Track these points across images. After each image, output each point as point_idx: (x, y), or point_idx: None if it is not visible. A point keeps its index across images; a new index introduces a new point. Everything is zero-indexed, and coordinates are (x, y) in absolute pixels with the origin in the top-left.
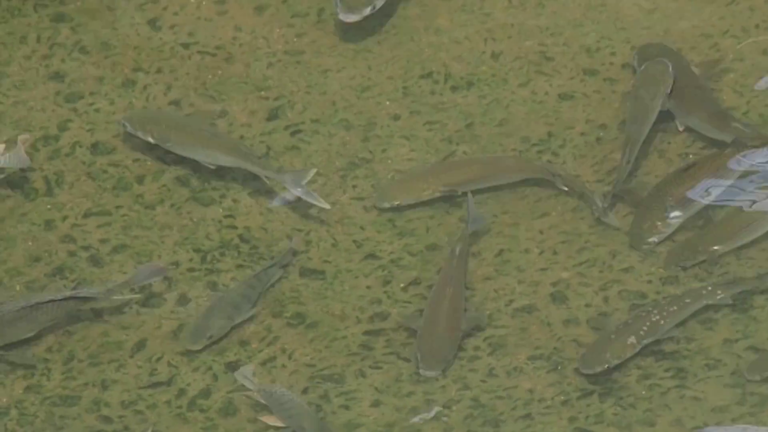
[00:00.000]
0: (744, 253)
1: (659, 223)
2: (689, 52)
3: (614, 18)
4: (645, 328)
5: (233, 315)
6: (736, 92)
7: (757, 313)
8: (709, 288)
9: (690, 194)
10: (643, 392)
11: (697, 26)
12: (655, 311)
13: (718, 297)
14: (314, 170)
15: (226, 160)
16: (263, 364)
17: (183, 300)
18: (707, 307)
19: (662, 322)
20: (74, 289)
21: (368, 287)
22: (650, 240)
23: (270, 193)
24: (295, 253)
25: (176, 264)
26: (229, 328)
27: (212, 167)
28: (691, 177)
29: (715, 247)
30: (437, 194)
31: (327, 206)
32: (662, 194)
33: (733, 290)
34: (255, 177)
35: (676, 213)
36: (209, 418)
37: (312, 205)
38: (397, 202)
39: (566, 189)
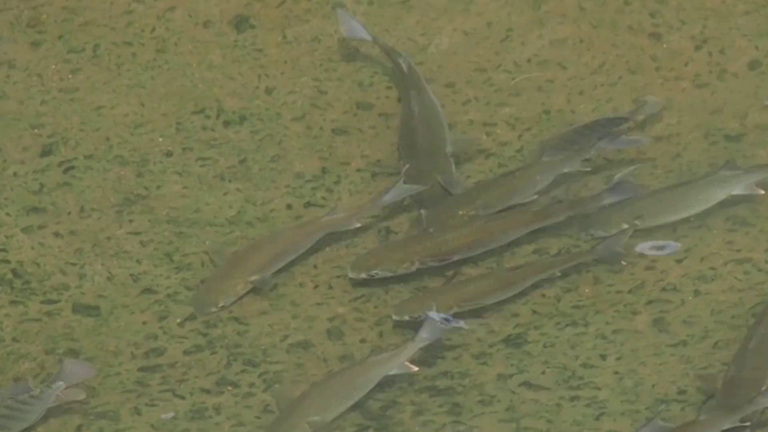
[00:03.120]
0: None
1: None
2: (464, 86)
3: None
4: None
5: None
6: (509, 125)
7: (530, 347)
8: None
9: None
10: (417, 428)
11: (471, 61)
12: None
13: None
14: None
15: None
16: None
17: None
18: (480, 341)
19: None
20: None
21: (144, 323)
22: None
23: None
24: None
25: None
26: None
27: None
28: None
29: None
30: (251, 284)
31: None
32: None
33: None
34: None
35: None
36: None
37: (87, 239)
38: (231, 300)
39: None
